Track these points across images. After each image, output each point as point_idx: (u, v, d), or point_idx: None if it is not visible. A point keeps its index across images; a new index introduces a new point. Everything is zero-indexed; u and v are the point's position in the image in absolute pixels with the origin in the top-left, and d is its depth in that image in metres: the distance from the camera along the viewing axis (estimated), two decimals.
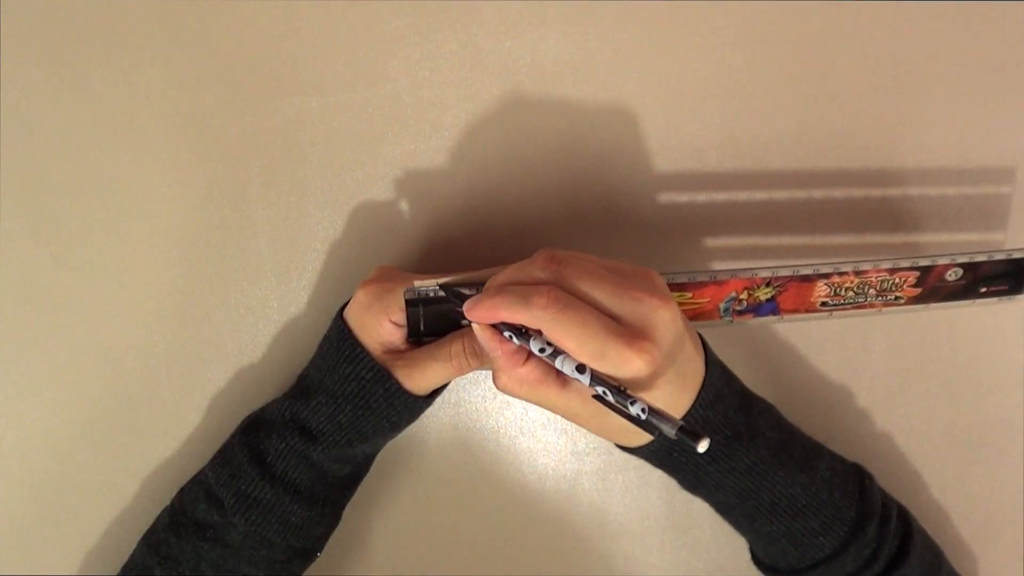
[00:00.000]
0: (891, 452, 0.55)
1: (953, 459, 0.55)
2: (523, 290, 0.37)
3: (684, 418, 0.40)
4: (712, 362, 0.42)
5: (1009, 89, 0.53)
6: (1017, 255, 0.44)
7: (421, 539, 0.55)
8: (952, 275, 0.43)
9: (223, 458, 0.47)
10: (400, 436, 0.53)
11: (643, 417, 0.35)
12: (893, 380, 0.55)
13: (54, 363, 0.52)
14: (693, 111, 0.52)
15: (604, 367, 0.36)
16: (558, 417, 0.54)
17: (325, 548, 0.50)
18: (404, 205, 0.52)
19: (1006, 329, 0.55)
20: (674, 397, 0.39)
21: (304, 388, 0.47)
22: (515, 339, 0.38)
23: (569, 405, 0.40)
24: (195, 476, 0.48)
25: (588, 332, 0.36)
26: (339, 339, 0.45)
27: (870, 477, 0.48)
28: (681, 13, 0.51)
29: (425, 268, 0.52)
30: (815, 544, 0.45)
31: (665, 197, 0.53)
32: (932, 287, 0.44)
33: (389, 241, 0.53)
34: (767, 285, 0.42)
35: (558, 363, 0.37)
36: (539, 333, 0.38)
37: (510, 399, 0.54)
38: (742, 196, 0.52)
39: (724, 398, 0.42)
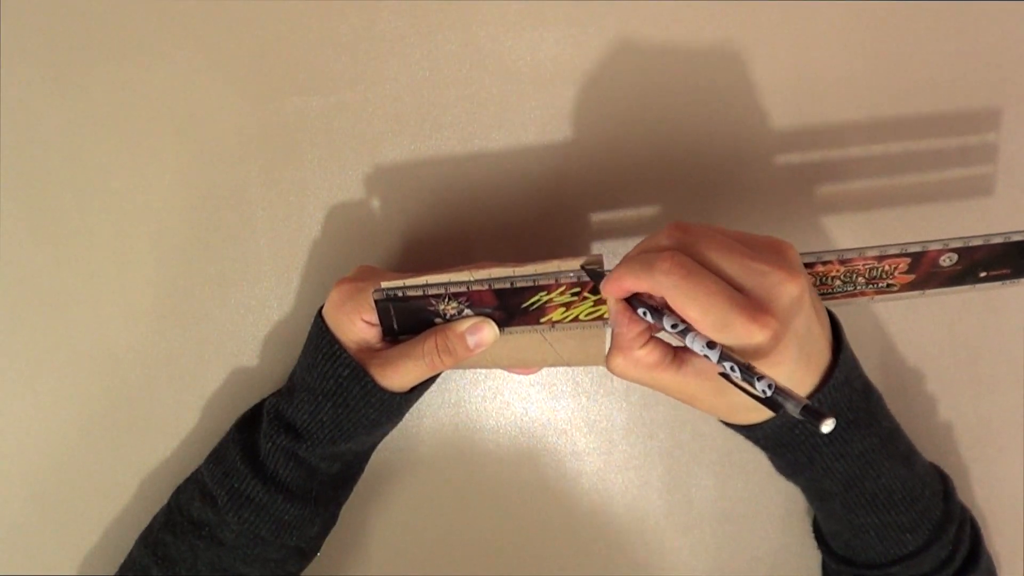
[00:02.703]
0: None
1: (953, 459, 0.55)
2: (647, 256, 0.36)
3: (811, 398, 0.39)
4: (845, 344, 0.41)
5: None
6: (1016, 238, 0.41)
7: (421, 539, 0.55)
8: (947, 261, 0.41)
9: (217, 456, 0.47)
10: (400, 436, 0.53)
11: (768, 394, 0.34)
12: (893, 380, 0.55)
13: (53, 363, 0.52)
14: (692, 110, 0.52)
15: (726, 339, 0.35)
16: (558, 417, 0.54)
17: (325, 548, 0.50)
18: (404, 205, 0.52)
19: (1006, 328, 0.55)
20: (797, 375, 0.38)
21: (290, 386, 0.47)
22: (649, 316, 0.37)
23: (685, 386, 0.39)
24: (191, 474, 0.49)
25: (712, 301, 0.34)
26: (317, 337, 0.45)
27: (950, 480, 0.48)
28: (680, 13, 0.51)
29: (425, 268, 0.52)
30: (901, 540, 0.44)
31: (670, 197, 0.53)
32: (927, 273, 0.41)
33: (389, 241, 0.53)
34: None
35: (688, 340, 0.36)
36: (670, 312, 0.37)
37: (510, 399, 0.54)
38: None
39: (852, 381, 0.41)
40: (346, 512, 0.50)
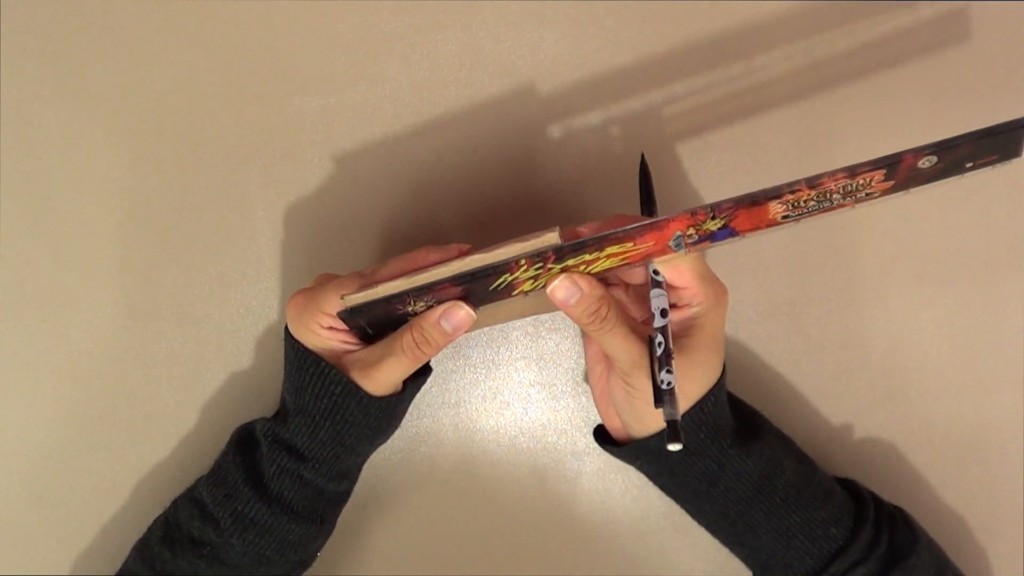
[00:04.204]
0: (891, 452, 0.55)
1: (953, 459, 0.55)
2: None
3: (709, 393, 0.43)
4: (725, 370, 0.45)
5: None
6: (998, 129, 0.38)
7: (421, 540, 0.55)
8: (926, 163, 0.38)
9: (217, 476, 0.46)
10: (400, 436, 0.53)
11: (667, 387, 0.39)
12: (893, 380, 0.55)
13: (52, 362, 0.52)
14: (692, 108, 0.52)
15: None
16: (558, 417, 0.54)
17: (324, 550, 0.50)
18: (403, 206, 0.52)
19: (1006, 329, 0.55)
20: (711, 360, 0.43)
21: (283, 409, 0.47)
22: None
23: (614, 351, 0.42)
24: (188, 491, 0.48)
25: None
26: (296, 357, 0.44)
27: (850, 479, 0.50)
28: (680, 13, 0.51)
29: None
30: (828, 535, 0.45)
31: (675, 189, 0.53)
32: (906, 177, 0.39)
33: (389, 241, 0.53)
34: (712, 218, 0.39)
35: (653, 296, 0.41)
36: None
37: (510, 399, 0.54)
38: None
39: (722, 405, 0.45)
40: (346, 514, 0.50)
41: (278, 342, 0.53)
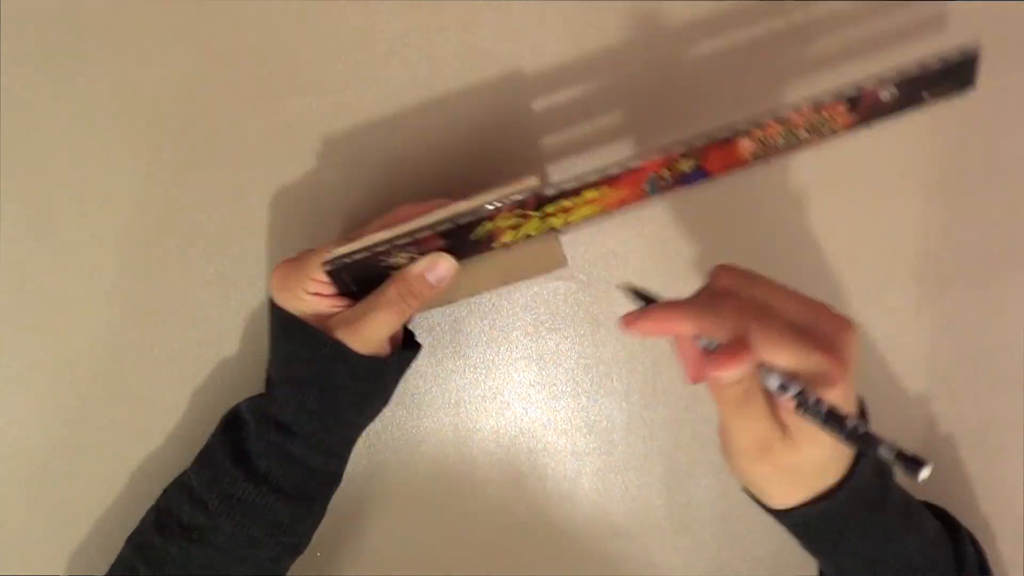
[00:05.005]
0: None
1: (953, 459, 0.55)
2: (710, 299, 0.37)
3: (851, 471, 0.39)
4: (867, 414, 0.41)
5: None
6: (952, 58, 0.41)
7: (420, 539, 0.55)
8: (887, 94, 0.40)
9: (204, 459, 0.47)
10: (400, 436, 0.53)
11: (861, 432, 0.34)
12: (893, 380, 0.55)
13: (49, 361, 0.52)
14: (691, 108, 0.52)
15: (802, 376, 0.35)
16: (558, 417, 0.54)
17: (323, 548, 0.50)
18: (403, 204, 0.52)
19: (1006, 329, 0.55)
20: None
21: (270, 385, 0.47)
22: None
23: (744, 421, 0.37)
24: (178, 477, 0.48)
25: (787, 338, 0.35)
26: (282, 327, 0.45)
27: (957, 527, 0.48)
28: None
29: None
30: None
31: None
32: (869, 110, 0.41)
33: None
34: (684, 156, 0.40)
35: (763, 377, 0.36)
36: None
37: (510, 399, 0.54)
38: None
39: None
40: (346, 514, 0.50)
41: None
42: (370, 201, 0.52)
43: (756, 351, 0.35)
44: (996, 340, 0.55)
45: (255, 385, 0.53)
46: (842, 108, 0.40)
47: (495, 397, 0.54)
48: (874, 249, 0.54)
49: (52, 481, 0.53)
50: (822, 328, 0.36)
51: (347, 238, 0.44)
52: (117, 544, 0.49)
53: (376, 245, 0.42)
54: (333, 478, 0.48)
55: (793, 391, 0.35)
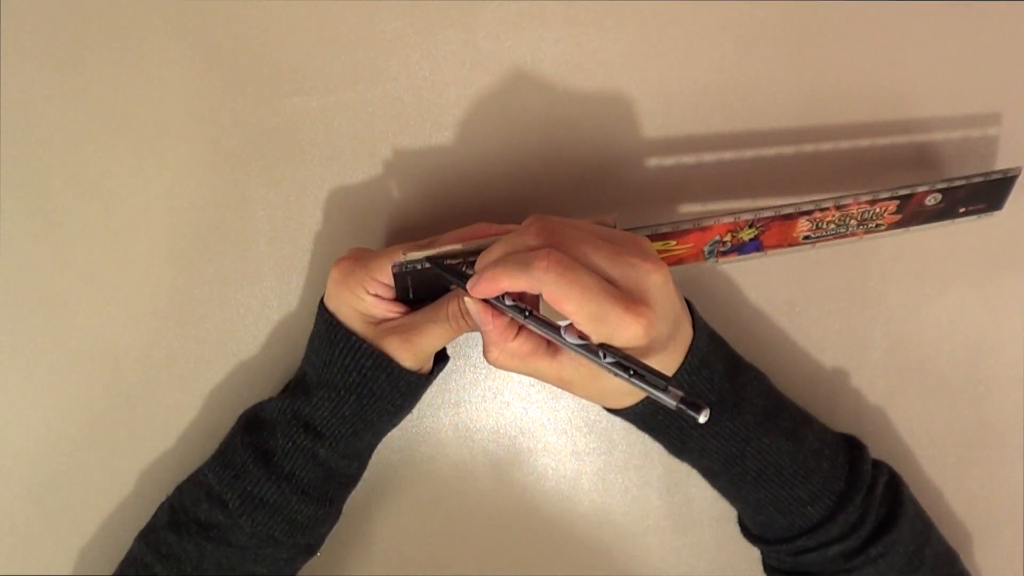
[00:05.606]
0: (891, 452, 0.55)
1: (953, 459, 0.55)
2: (521, 256, 0.37)
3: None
4: (699, 327, 0.43)
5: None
6: (994, 176, 0.45)
7: (421, 539, 0.55)
8: (932, 200, 0.45)
9: (224, 459, 0.47)
10: (400, 436, 0.53)
11: (644, 386, 0.36)
12: (893, 380, 0.55)
13: (53, 361, 0.52)
14: (691, 107, 0.52)
15: (601, 331, 0.36)
16: (558, 417, 0.54)
17: (327, 548, 0.50)
18: (404, 205, 0.52)
19: (1006, 329, 0.55)
20: (666, 361, 0.40)
21: (304, 386, 0.47)
22: (511, 312, 0.39)
23: (561, 373, 0.41)
24: (193, 475, 0.48)
25: (588, 295, 0.36)
26: (328, 331, 0.45)
27: (861, 448, 0.48)
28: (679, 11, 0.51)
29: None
30: (803, 513, 0.45)
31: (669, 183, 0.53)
32: (912, 213, 0.45)
33: (388, 240, 0.53)
34: (750, 226, 0.43)
35: (562, 333, 0.38)
36: (537, 308, 0.38)
37: (510, 399, 0.54)
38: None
39: (710, 364, 0.43)
40: (347, 513, 0.50)
41: (278, 341, 0.53)
42: (370, 199, 0.52)
43: (558, 306, 0.36)
44: (996, 340, 0.55)
45: (266, 385, 0.53)
46: (892, 206, 0.44)
47: (495, 397, 0.54)
48: (874, 248, 0.54)
49: (61, 480, 0.53)
50: (626, 279, 0.37)
51: (419, 245, 0.44)
52: (126, 543, 0.49)
53: (449, 255, 0.42)
54: (353, 481, 0.48)
55: (573, 340, 0.37)
